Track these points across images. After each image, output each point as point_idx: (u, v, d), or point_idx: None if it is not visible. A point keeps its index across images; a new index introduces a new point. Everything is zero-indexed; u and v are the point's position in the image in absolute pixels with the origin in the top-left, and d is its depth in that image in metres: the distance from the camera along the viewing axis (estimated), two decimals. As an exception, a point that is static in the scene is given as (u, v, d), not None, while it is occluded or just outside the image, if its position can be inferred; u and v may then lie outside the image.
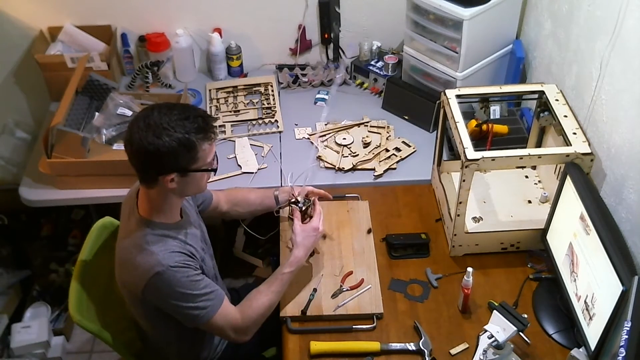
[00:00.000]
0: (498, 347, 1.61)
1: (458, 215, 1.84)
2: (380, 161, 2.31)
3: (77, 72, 2.36)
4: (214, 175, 1.79)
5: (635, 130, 1.64)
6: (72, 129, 2.22)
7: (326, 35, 2.73)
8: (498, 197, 2.07)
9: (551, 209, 1.82)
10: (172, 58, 2.72)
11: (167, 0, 2.63)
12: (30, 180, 2.30)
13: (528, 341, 1.66)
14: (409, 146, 2.38)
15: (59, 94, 2.32)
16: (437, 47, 2.35)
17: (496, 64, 2.46)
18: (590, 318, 1.57)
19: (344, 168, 2.28)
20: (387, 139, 2.41)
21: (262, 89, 2.69)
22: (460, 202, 1.80)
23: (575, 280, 1.66)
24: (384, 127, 2.46)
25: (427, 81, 2.49)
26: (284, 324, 1.77)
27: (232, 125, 2.51)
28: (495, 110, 2.26)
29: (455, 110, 1.87)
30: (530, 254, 1.94)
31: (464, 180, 1.75)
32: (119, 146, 2.31)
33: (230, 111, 2.58)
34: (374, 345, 1.69)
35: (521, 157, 1.74)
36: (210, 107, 2.61)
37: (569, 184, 1.70)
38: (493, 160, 1.72)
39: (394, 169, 2.29)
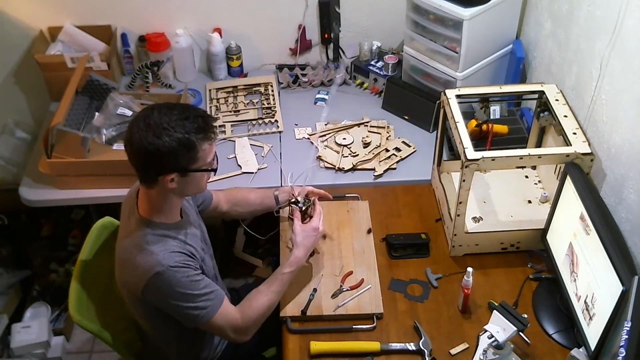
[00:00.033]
0: (498, 347, 1.60)
1: (458, 215, 1.84)
2: (380, 161, 2.31)
3: (77, 72, 2.36)
4: (214, 175, 1.79)
5: (635, 130, 1.64)
6: (72, 129, 2.22)
7: (326, 35, 2.73)
8: (498, 197, 2.07)
9: (551, 209, 1.82)
10: (172, 58, 2.72)
11: (167, 0, 2.63)
12: (30, 180, 2.29)
13: (528, 341, 1.66)
14: (409, 146, 2.38)
15: (59, 94, 2.32)
16: (437, 47, 2.35)
17: (496, 64, 2.46)
18: (590, 318, 1.57)
19: (344, 168, 2.28)
20: (387, 139, 2.41)
21: (262, 89, 2.69)
22: (460, 202, 1.80)
23: (575, 280, 1.66)
24: (384, 127, 2.46)
25: (427, 81, 2.49)
26: (284, 324, 1.77)
27: (232, 125, 2.51)
28: (495, 110, 2.26)
29: (455, 110, 1.87)
30: (530, 254, 1.94)
31: (464, 180, 1.75)
32: (119, 146, 2.30)
33: (230, 111, 2.58)
34: (374, 345, 1.69)
35: (521, 157, 1.74)
36: (210, 107, 2.60)
37: (569, 184, 1.69)
38: (493, 160, 1.72)
39: (394, 169, 2.29)
